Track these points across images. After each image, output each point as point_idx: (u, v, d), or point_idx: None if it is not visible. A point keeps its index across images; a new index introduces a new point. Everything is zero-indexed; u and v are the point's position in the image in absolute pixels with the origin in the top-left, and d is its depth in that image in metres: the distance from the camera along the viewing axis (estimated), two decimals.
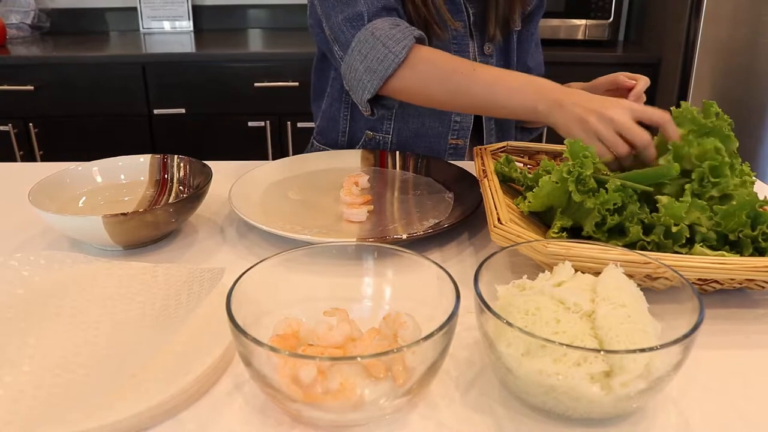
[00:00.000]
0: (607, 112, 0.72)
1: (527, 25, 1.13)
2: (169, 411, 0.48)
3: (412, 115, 1.09)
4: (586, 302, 0.48)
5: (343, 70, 0.95)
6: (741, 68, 2.14)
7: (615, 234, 0.66)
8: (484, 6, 1.06)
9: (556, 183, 0.68)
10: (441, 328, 0.43)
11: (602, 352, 0.43)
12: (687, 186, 0.66)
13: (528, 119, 0.87)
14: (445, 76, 0.86)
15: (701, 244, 0.63)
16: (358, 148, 1.13)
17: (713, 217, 0.64)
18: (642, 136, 0.71)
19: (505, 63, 1.12)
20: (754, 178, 0.70)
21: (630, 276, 0.51)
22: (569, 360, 0.43)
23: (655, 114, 0.73)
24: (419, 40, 0.90)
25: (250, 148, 2.32)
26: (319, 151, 1.18)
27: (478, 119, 1.12)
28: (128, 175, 0.88)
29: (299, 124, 2.29)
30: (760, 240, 0.62)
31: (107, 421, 0.44)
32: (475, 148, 0.91)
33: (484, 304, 0.46)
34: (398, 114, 1.09)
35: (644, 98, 0.91)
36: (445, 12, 1.00)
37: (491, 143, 1.02)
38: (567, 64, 2.21)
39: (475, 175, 0.86)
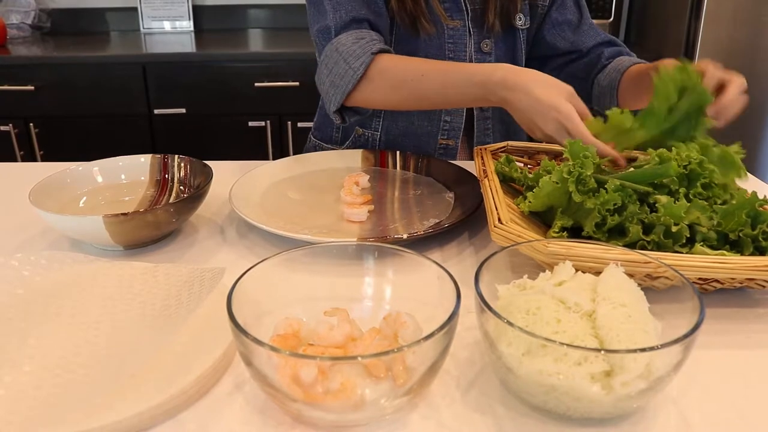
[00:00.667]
0: (546, 131, 0.79)
1: (541, 21, 1.12)
2: (169, 411, 0.48)
3: (401, 114, 1.10)
4: (586, 302, 0.48)
5: (315, 80, 0.99)
6: (741, 69, 2.11)
7: (615, 234, 0.66)
8: (485, 2, 1.05)
9: (557, 183, 0.68)
10: (441, 327, 0.43)
11: (603, 352, 0.43)
12: (681, 189, 0.67)
13: (488, 104, 0.91)
14: (398, 85, 0.91)
15: (701, 243, 0.63)
16: (348, 145, 1.15)
17: (713, 216, 0.64)
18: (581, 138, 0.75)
19: (511, 61, 1.11)
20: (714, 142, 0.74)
21: (630, 275, 0.51)
22: (570, 360, 0.42)
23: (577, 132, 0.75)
24: (381, 52, 0.92)
25: (251, 148, 2.32)
26: (316, 146, 1.20)
27: (469, 120, 1.11)
28: (129, 175, 0.88)
29: (299, 124, 2.29)
30: (760, 239, 0.62)
31: (107, 421, 0.44)
32: (475, 147, 0.91)
33: (484, 304, 0.46)
34: (386, 112, 1.10)
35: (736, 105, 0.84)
36: (439, 9, 1.00)
37: (487, 143, 1.02)
38: None
39: (475, 174, 0.86)
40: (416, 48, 1.03)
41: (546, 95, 0.78)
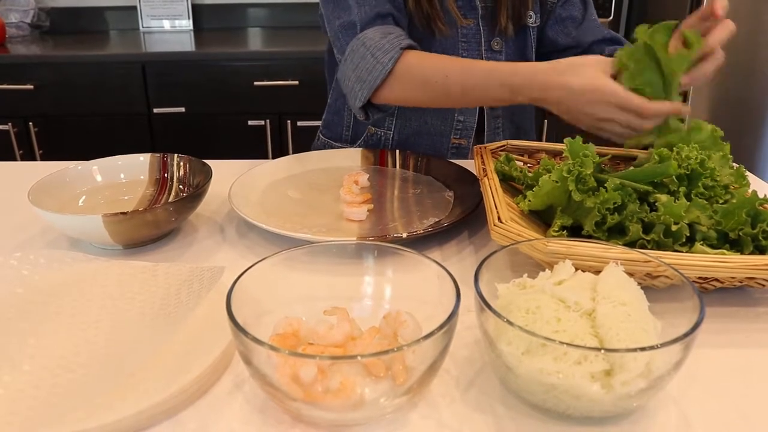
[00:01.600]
0: (599, 124, 0.77)
1: (551, 19, 1.11)
2: (169, 410, 0.48)
3: (414, 113, 1.10)
4: (586, 301, 0.48)
5: (338, 76, 0.98)
6: (741, 67, 2.14)
7: (615, 233, 0.66)
8: (496, 1, 1.04)
9: (556, 182, 0.68)
10: (441, 326, 0.43)
11: (603, 351, 0.43)
12: (681, 188, 0.67)
13: (513, 104, 0.91)
14: (424, 84, 0.90)
15: (701, 242, 0.63)
16: (360, 144, 1.14)
17: (713, 215, 0.64)
18: (634, 124, 0.74)
19: (521, 59, 1.10)
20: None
21: (630, 274, 0.51)
22: (570, 359, 0.42)
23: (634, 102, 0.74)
24: (409, 47, 0.91)
25: (250, 147, 2.32)
26: (326, 144, 1.19)
27: (481, 119, 1.12)
28: (128, 174, 0.88)
29: (299, 123, 2.29)
30: (760, 238, 0.62)
31: (107, 420, 0.44)
32: (474, 146, 0.91)
33: (484, 303, 0.46)
34: (400, 112, 1.10)
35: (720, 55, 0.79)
36: (455, 10, 1.00)
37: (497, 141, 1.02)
38: None
39: (475, 173, 0.86)
40: (430, 48, 1.02)
41: (582, 82, 0.76)
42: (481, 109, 1.11)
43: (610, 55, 0.98)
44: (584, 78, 0.76)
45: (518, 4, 1.05)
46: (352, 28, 0.94)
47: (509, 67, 0.84)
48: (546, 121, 2.10)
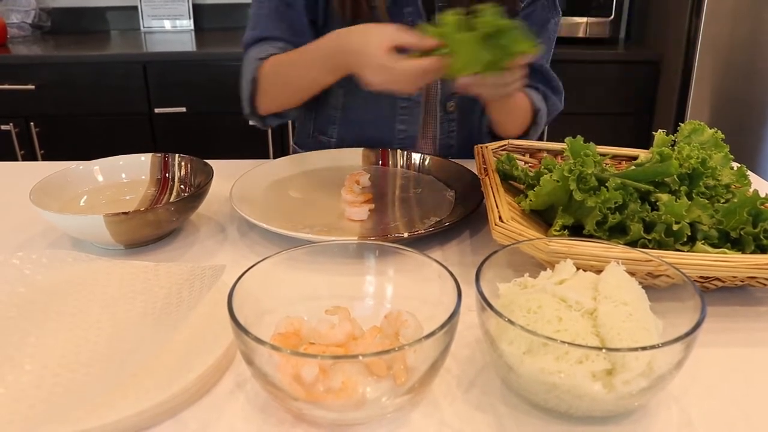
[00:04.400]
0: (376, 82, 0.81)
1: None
2: (170, 410, 0.48)
3: (353, 122, 1.10)
4: (587, 300, 0.48)
5: None
6: (742, 66, 2.13)
7: (616, 232, 0.66)
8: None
9: (558, 181, 0.68)
10: (442, 326, 0.43)
11: (604, 350, 0.43)
12: (683, 188, 0.67)
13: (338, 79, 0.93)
14: (281, 83, 0.97)
15: (703, 241, 0.63)
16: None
17: (714, 215, 0.64)
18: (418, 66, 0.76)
19: None
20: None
21: (632, 274, 0.51)
22: (571, 358, 0.42)
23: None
24: (270, 56, 0.97)
25: (251, 147, 2.32)
26: (296, 151, 1.20)
27: (426, 129, 1.09)
28: (129, 174, 0.88)
29: None
30: (761, 237, 0.62)
31: (108, 420, 0.44)
32: (476, 146, 0.91)
33: (485, 303, 0.46)
34: (341, 120, 1.11)
35: None
36: (384, 14, 0.97)
37: (451, 146, 1.05)
38: (568, 61, 2.20)
39: (476, 173, 0.86)
40: None
41: (362, 46, 0.80)
42: (428, 116, 1.08)
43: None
44: (364, 42, 0.80)
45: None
46: (245, 47, 1.02)
47: (330, 34, 0.87)
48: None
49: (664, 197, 0.66)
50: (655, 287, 0.54)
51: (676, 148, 0.71)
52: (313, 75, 0.92)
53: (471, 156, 1.04)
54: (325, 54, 0.88)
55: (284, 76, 0.96)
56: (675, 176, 0.68)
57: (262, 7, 1.02)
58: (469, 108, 1.10)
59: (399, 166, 1.01)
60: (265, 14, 1.02)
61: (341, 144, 1.11)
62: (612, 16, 2.39)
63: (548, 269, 0.54)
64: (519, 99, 1.01)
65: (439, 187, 0.92)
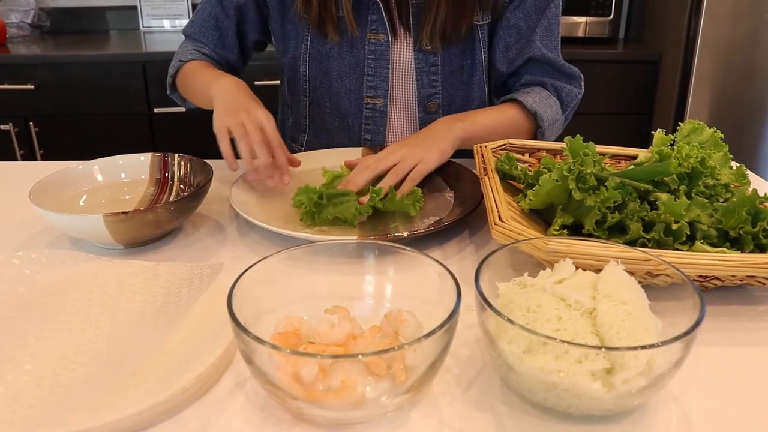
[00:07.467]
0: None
1: (503, 15, 1.03)
2: (170, 410, 0.48)
3: (320, 131, 1.12)
4: (587, 299, 0.48)
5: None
6: (741, 65, 2.14)
7: (615, 231, 0.66)
8: (419, 22, 0.99)
9: (557, 181, 0.68)
10: (442, 325, 0.43)
11: (603, 350, 0.43)
12: (682, 187, 0.67)
13: None
14: (190, 89, 1.08)
15: (702, 241, 0.63)
16: None
17: (714, 214, 0.64)
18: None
19: (470, 59, 1.05)
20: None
21: (631, 273, 0.51)
22: (570, 357, 0.43)
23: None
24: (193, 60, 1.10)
25: None
26: (293, 151, 1.20)
27: (407, 133, 1.09)
28: (129, 173, 0.88)
29: None
30: (760, 236, 0.62)
31: (108, 419, 0.44)
32: (475, 146, 0.91)
33: (485, 302, 0.46)
34: (309, 128, 1.13)
35: None
36: (349, 18, 0.98)
37: None
38: (567, 61, 2.20)
39: (475, 172, 0.86)
40: (330, 51, 1.04)
41: (219, 118, 0.91)
42: (407, 121, 1.08)
43: (527, 84, 0.99)
44: (221, 115, 0.93)
45: (446, 26, 0.98)
46: (183, 33, 1.18)
47: (214, 80, 0.97)
48: None
49: (664, 196, 0.66)
50: (654, 286, 0.54)
51: (675, 147, 0.71)
52: (202, 100, 1.01)
53: (470, 155, 1.04)
54: (219, 91, 0.96)
55: (191, 86, 1.06)
56: (674, 176, 0.68)
57: (205, 8, 1.10)
58: (458, 106, 1.08)
59: None
60: (203, 17, 1.11)
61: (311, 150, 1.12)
62: (611, 16, 2.39)
63: (548, 268, 0.54)
64: (493, 119, 1.00)
65: (439, 186, 0.92)
